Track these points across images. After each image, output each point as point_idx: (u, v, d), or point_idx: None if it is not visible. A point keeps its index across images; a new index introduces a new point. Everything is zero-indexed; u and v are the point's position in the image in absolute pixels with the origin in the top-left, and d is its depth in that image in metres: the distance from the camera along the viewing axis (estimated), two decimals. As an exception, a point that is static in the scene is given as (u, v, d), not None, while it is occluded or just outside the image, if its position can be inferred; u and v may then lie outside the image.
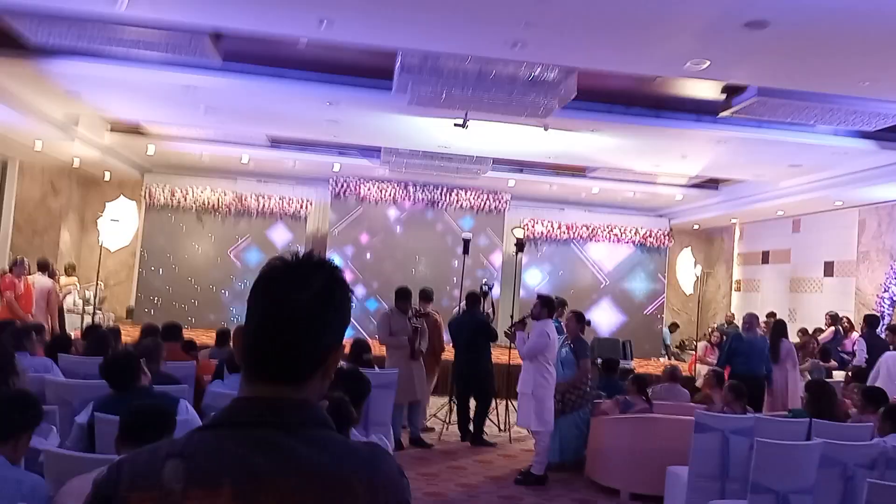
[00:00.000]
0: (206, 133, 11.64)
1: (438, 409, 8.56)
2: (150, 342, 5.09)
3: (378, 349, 8.12)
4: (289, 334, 1.07)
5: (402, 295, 7.85)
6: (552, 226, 15.08)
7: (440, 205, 14.72)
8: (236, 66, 7.98)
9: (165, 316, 11.03)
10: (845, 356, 9.50)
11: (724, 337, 10.06)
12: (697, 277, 13.26)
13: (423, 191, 14.58)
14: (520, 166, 12.82)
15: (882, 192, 10.39)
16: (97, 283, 11.41)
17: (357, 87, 8.26)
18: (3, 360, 3.93)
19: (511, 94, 7.38)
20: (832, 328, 10.39)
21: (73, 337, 6.78)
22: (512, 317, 8.77)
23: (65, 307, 11.03)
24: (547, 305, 6.88)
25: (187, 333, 7.30)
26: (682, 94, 8.31)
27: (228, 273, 14.41)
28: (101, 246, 11.03)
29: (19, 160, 12.59)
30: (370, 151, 12.18)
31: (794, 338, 10.23)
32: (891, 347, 7.64)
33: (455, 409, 8.18)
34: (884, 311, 9.81)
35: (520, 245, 10.42)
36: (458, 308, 9.26)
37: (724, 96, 7.99)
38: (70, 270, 12.34)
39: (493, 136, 9.87)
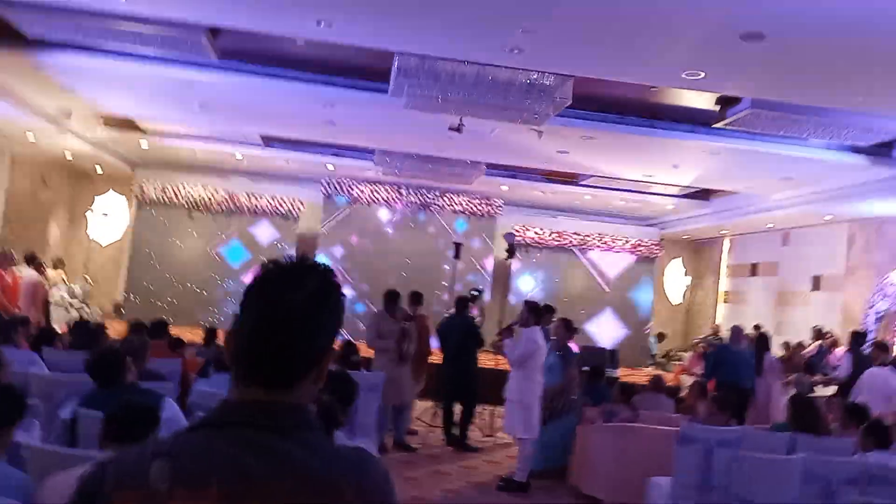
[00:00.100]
0: (200, 130, 11.60)
1: (423, 413, 8.55)
2: (136, 339, 5.07)
3: (365, 351, 8.10)
4: (283, 335, 1.07)
5: (391, 298, 7.85)
6: (543, 232, 15.10)
7: (432, 208, 14.73)
8: (233, 63, 7.97)
9: (153, 312, 10.99)
10: (830, 371, 9.55)
11: (711, 348, 10.10)
12: (686, 288, 13.32)
13: (415, 194, 14.58)
14: (513, 171, 12.85)
15: (872, 207, 10.46)
16: (84, 278, 11.35)
17: (354, 88, 8.26)
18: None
19: (507, 100, 7.40)
20: (817, 342, 10.45)
21: (59, 331, 6.73)
22: (500, 322, 8.79)
23: (51, 301, 10.95)
24: (534, 312, 6.90)
25: (174, 331, 7.27)
26: (676, 104, 8.36)
27: (217, 271, 14.36)
28: (89, 240, 10.97)
29: (11, 152, 12.51)
30: (364, 153, 12.17)
31: (778, 351, 10.30)
32: (875, 364, 7.68)
33: (440, 412, 8.17)
34: (869, 327, 9.87)
35: (510, 250, 10.43)
36: (447, 313, 9.26)
37: (718, 108, 8.04)
38: (58, 264, 12.26)
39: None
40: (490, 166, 12.19)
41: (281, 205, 14.58)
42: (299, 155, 12.60)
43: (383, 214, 14.70)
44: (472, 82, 7.21)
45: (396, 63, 7.02)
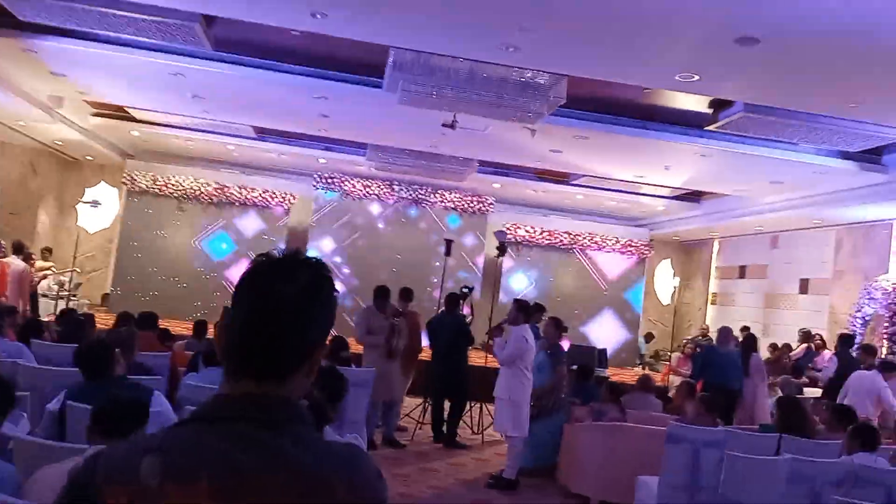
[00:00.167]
0: (192, 121, 11.53)
1: (412, 410, 8.55)
2: (125, 331, 5.04)
3: (355, 347, 8.09)
4: (274, 327, 1.06)
5: (381, 293, 7.84)
6: (535, 231, 15.13)
7: (424, 204, 14.72)
8: (227, 54, 7.92)
9: (141, 304, 10.92)
10: (817, 373, 9.63)
11: (699, 349, 10.15)
12: (675, 288, 13.37)
13: (407, 190, 14.56)
14: (505, 169, 12.86)
15: (860, 212, 10.54)
16: (73, 269, 11.26)
17: (348, 82, 8.24)
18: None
19: (501, 97, 7.41)
20: (804, 345, 10.52)
21: (47, 321, 6.68)
22: (490, 320, 8.79)
23: (39, 291, 10.88)
24: (523, 311, 6.91)
25: (163, 323, 7.23)
26: (669, 106, 8.38)
27: (207, 263, 14.29)
28: (78, 230, 10.89)
29: (0, 139, 12.41)
30: (356, 147, 12.14)
31: (765, 353, 10.37)
32: (862, 366, 7.75)
33: (429, 409, 8.18)
34: (856, 331, 9.95)
35: (501, 248, 10.44)
36: (439, 310, 9.26)
37: (710, 110, 8.07)
38: (46, 254, 12.18)
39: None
40: (482, 164, 12.19)
41: (272, 198, 14.51)
42: (291, 148, 12.56)
43: (375, 209, 14.67)
44: (466, 79, 7.22)
45: (391, 58, 7.01)
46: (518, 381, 6.50)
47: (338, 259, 14.18)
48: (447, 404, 8.01)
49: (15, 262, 9.40)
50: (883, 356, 8.92)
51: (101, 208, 10.92)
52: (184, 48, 7.59)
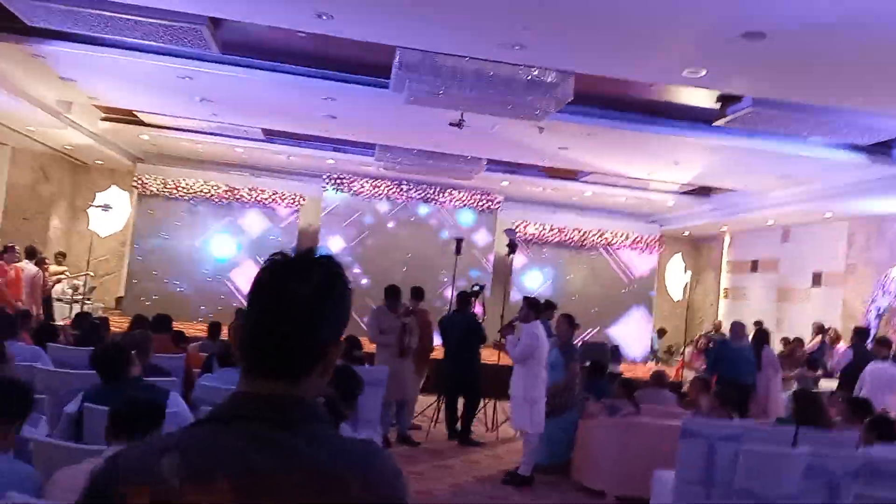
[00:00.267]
0: (201, 124, 11.58)
1: (426, 408, 8.56)
2: (139, 333, 5.07)
3: (368, 346, 8.10)
4: (287, 327, 1.06)
5: (392, 293, 7.85)
6: (544, 228, 15.11)
7: (433, 203, 14.72)
8: (234, 57, 7.94)
9: (155, 307, 10.97)
10: (831, 366, 9.58)
11: (712, 344, 10.12)
12: (687, 284, 13.32)
13: (416, 189, 14.56)
14: (513, 167, 12.84)
15: (871, 205, 10.47)
16: (87, 273, 11.33)
17: (355, 83, 8.25)
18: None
19: (508, 96, 7.39)
20: (818, 338, 10.46)
21: (62, 325, 6.73)
22: (502, 317, 8.79)
23: (54, 296, 10.95)
24: (534, 308, 6.90)
25: (177, 325, 7.27)
26: (677, 102, 8.35)
27: (217, 266, 14.34)
28: (91, 234, 10.95)
29: (11, 145, 12.49)
30: (364, 148, 12.16)
31: (778, 347, 10.32)
32: (877, 359, 7.70)
33: (443, 407, 8.18)
34: (870, 324, 9.89)
35: (511, 246, 10.44)
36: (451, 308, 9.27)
37: (718, 105, 8.04)
38: (60, 259, 12.26)
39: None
40: (491, 162, 12.18)
41: (281, 199, 14.56)
42: (300, 149, 12.58)
43: (384, 209, 14.68)
44: (473, 78, 7.20)
45: (398, 58, 7.01)
46: (532, 379, 6.49)
47: (348, 259, 14.20)
48: (461, 402, 8.01)
49: (28, 267, 9.47)
50: (898, 348, 8.85)
51: (112, 212, 10.98)
52: (191, 51, 7.60)
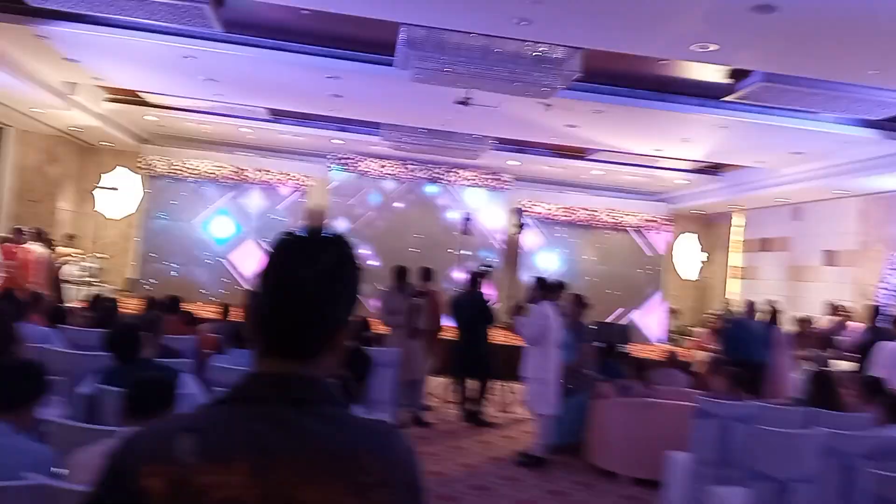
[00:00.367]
0: (206, 104, 11.51)
1: (438, 389, 8.57)
2: (151, 315, 5.06)
3: (377, 327, 8.10)
4: (296, 309, 1.06)
5: (400, 274, 7.83)
6: (553, 207, 15.05)
7: (441, 183, 14.65)
8: (237, 36, 7.87)
9: (164, 288, 10.98)
10: (844, 346, 9.52)
11: (725, 324, 10.07)
12: (702, 263, 13.23)
13: (423, 169, 14.49)
14: (521, 146, 12.74)
15: (884, 182, 10.35)
16: (99, 254, 11.33)
17: (359, 61, 8.17)
18: (3, 328, 3.90)
19: (515, 73, 7.30)
20: (832, 317, 10.40)
21: (76, 307, 6.73)
22: (510, 297, 8.76)
23: (62, 277, 10.97)
24: (543, 288, 6.86)
25: (186, 306, 7.27)
26: (686, 77, 8.24)
27: (224, 246, 14.34)
28: (100, 215, 10.93)
29: (17, 127, 12.45)
30: (371, 127, 12.08)
31: (789, 326, 10.25)
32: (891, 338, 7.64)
33: (455, 388, 8.18)
34: (883, 302, 9.82)
35: (520, 225, 10.39)
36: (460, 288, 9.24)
37: (728, 80, 7.93)
38: (69, 240, 12.27)
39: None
40: (498, 141, 12.09)
41: (288, 179, 14.53)
42: (306, 129, 12.52)
43: (391, 189, 14.62)
44: (479, 54, 7.12)
45: (403, 34, 6.92)
46: (545, 359, 6.47)
47: (355, 240, 14.13)
48: (472, 383, 8.01)
49: (36, 249, 9.47)
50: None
51: (122, 194, 10.97)
52: (194, 30, 7.53)
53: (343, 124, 12.30)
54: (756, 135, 9.55)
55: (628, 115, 9.17)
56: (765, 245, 14.34)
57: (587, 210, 15.12)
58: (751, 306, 8.34)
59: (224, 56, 8.12)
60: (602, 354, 7.65)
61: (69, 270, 11.50)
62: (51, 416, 3.21)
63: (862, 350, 8.04)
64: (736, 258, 15.45)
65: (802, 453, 4.49)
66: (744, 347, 7.78)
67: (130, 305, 9.78)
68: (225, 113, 12.00)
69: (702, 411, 5.13)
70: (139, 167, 13.95)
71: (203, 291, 13.77)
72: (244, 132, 13.24)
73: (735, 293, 14.96)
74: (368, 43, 7.89)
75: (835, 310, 10.53)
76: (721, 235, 16.00)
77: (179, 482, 0.95)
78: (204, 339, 5.96)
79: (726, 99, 8.17)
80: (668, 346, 12.38)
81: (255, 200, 14.57)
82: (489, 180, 14.71)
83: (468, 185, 14.70)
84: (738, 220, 15.46)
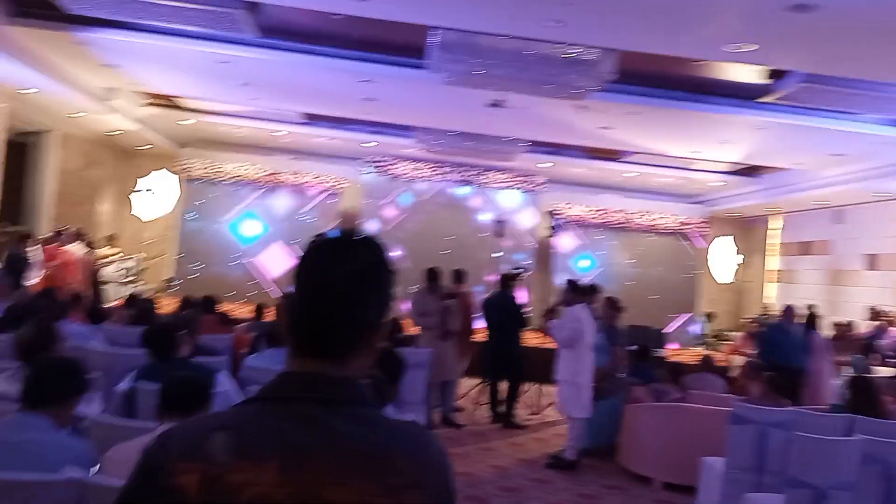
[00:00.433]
0: (241, 108, 11.68)
1: (469, 390, 8.56)
2: (188, 314, 5.15)
3: (410, 329, 8.13)
4: (327, 309, 1.07)
5: (432, 275, 7.85)
6: (586, 210, 14.95)
7: (474, 185, 14.65)
8: (272, 41, 7.97)
9: (202, 288, 11.15)
10: (886, 352, 9.30)
11: (762, 328, 9.89)
12: (738, 266, 13.01)
13: (455, 171, 14.50)
14: (554, 148, 12.68)
15: (928, 185, 10.10)
16: (139, 255, 11.55)
17: (393, 64, 8.21)
18: (44, 327, 3.99)
19: (548, 75, 7.26)
20: (875, 323, 10.15)
21: (115, 307, 6.88)
22: (543, 300, 8.72)
23: (104, 278, 11.21)
24: (576, 291, 6.81)
25: (224, 307, 7.37)
26: (723, 78, 8.13)
27: (258, 247, 14.56)
28: (139, 218, 11.15)
29: (59, 131, 12.76)
30: (403, 130, 12.14)
31: (828, 330, 10.03)
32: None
33: (486, 390, 8.17)
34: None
35: (552, 228, 10.34)
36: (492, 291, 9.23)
37: (766, 81, 7.81)
38: (111, 241, 12.54)
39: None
40: (531, 143, 12.05)
41: (322, 182, 14.68)
42: (340, 132, 12.62)
43: (424, 192, 14.66)
44: (512, 57, 7.08)
45: (436, 38, 6.93)
46: (579, 362, 6.41)
47: (388, 243, 14.17)
48: (504, 385, 7.99)
49: (74, 250, 9.69)
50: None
51: (158, 196, 11.17)
52: (230, 36, 7.66)
53: (376, 127, 12.38)
54: (794, 136, 9.38)
55: (664, 116, 9.07)
56: (804, 248, 14.06)
57: (622, 212, 14.99)
58: (789, 310, 8.17)
59: (259, 61, 8.24)
60: (635, 358, 7.57)
61: (108, 271, 11.74)
62: (89, 412, 3.27)
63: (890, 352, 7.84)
64: (773, 261, 15.17)
65: (841, 460, 4.38)
66: (782, 352, 7.63)
67: (167, 305, 9.96)
68: (259, 117, 12.17)
69: (738, 416, 5.04)
70: (175, 170, 14.21)
71: (235, 293, 13.97)
72: (278, 135, 13.40)
73: (772, 297, 14.69)
74: (400, 47, 7.93)
75: (876, 314, 10.28)
76: (758, 238, 15.73)
77: (212, 480, 0.96)
78: (239, 339, 6.03)
79: (765, 100, 8.04)
80: (703, 351, 12.19)
81: (284, 202, 14.74)
82: (522, 182, 14.66)
83: (501, 188, 14.67)
84: (775, 223, 15.18)
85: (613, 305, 7.67)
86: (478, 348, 8.44)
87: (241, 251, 14.52)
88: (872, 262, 11.90)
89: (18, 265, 8.82)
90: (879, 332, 9.78)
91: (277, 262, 14.41)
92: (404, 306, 8.52)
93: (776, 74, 7.59)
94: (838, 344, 8.39)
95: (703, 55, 7.11)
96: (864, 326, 10.22)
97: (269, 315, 7.69)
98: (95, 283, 10.13)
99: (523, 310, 8.18)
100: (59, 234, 9.53)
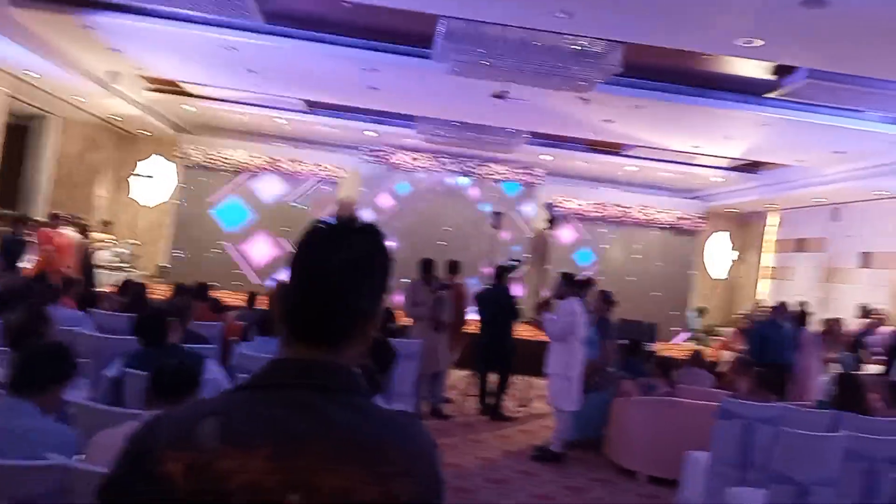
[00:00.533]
0: (244, 95, 11.68)
1: (458, 381, 8.60)
2: (180, 300, 5.17)
3: (402, 319, 8.15)
4: (322, 297, 1.07)
5: (426, 266, 7.87)
6: (584, 203, 14.95)
7: (474, 177, 14.65)
8: (278, 27, 7.97)
9: (196, 275, 11.19)
10: (871, 348, 9.32)
11: (753, 324, 9.91)
12: (733, 262, 13.03)
13: (455, 162, 14.49)
14: (556, 141, 12.67)
15: (927, 184, 10.09)
16: (128, 241, 11.57)
17: (397, 53, 8.20)
18: (35, 311, 4.02)
19: (554, 66, 7.23)
20: (865, 320, 10.17)
21: (107, 292, 6.91)
22: (537, 292, 8.75)
23: (97, 262, 11.23)
24: (570, 284, 6.82)
25: (217, 294, 7.40)
26: (728, 73, 8.10)
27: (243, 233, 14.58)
28: (136, 203, 11.17)
29: (60, 115, 12.77)
30: (405, 119, 12.13)
31: (818, 327, 10.04)
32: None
33: (476, 381, 8.20)
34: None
35: (551, 221, 10.34)
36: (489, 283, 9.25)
37: (771, 77, 7.78)
38: (104, 226, 12.55)
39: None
40: (533, 135, 12.04)
41: (323, 170, 14.67)
42: (342, 121, 12.62)
43: (423, 182, 14.66)
44: (518, 48, 7.05)
45: (442, 27, 6.91)
46: (570, 355, 6.43)
47: (386, 232, 14.17)
48: (493, 377, 8.02)
49: (71, 234, 9.72)
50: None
51: (156, 182, 11.19)
52: (236, 22, 7.65)
53: (378, 116, 12.37)
54: (798, 133, 9.36)
55: (668, 110, 9.05)
56: (800, 245, 14.06)
57: (619, 206, 14.98)
58: (781, 307, 8.19)
59: (264, 47, 8.24)
60: (626, 352, 7.61)
61: (102, 256, 11.76)
62: (76, 398, 3.30)
63: (891, 353, 7.87)
64: (768, 258, 15.17)
65: (825, 456, 4.42)
66: (771, 348, 7.66)
67: (161, 291, 10.00)
68: (262, 104, 12.16)
69: (725, 411, 5.07)
70: (175, 156, 14.21)
71: (227, 280, 13.98)
72: (279, 123, 13.40)
73: (765, 293, 14.70)
74: (406, 35, 7.91)
75: (867, 312, 10.30)
76: (754, 235, 15.73)
77: (200, 467, 0.95)
78: (230, 327, 6.06)
79: (770, 95, 8.01)
80: (693, 345, 12.24)
81: (276, 189, 14.68)
82: (521, 175, 14.65)
83: (500, 179, 14.66)
84: (772, 220, 15.17)
85: (606, 299, 7.70)
86: (469, 340, 8.47)
87: (229, 238, 14.51)
88: (866, 260, 11.90)
89: (14, 248, 8.87)
90: (870, 330, 9.80)
91: (263, 250, 14.43)
92: (397, 297, 8.53)
93: (782, 70, 7.56)
94: (827, 339, 8.40)
95: (712, 49, 7.05)
96: (854, 324, 10.23)
97: (262, 303, 7.71)
98: (88, 267, 10.14)
99: (516, 302, 8.21)
100: (54, 217, 9.56)
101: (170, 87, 11.68)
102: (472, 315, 8.43)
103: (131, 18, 7.87)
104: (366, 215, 14.09)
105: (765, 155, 11.55)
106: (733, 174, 13.29)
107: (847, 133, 8.90)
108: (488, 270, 9.99)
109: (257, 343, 5.20)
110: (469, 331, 8.50)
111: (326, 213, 13.97)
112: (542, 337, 7.18)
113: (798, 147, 10.27)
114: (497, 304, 7.94)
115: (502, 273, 8.20)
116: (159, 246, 14.75)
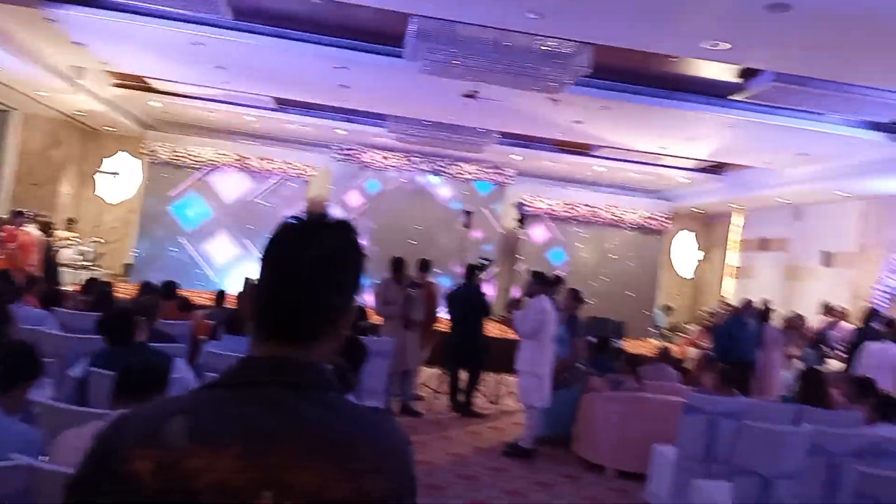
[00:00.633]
0: (213, 92, 11.54)
1: (429, 379, 8.61)
2: (147, 299, 5.10)
3: (374, 317, 8.15)
4: (294, 293, 1.06)
5: (396, 265, 7.87)
6: (554, 203, 15.05)
7: (444, 176, 14.67)
8: (247, 23, 7.89)
9: (163, 274, 11.04)
10: (836, 346, 9.55)
11: (717, 321, 10.09)
12: (698, 261, 13.23)
13: (426, 161, 14.50)
14: (526, 141, 12.75)
15: (887, 184, 10.32)
16: (97, 239, 11.38)
17: (368, 51, 8.18)
18: (-1, 309, 3.94)
19: (524, 67, 7.28)
20: (826, 317, 10.41)
21: (72, 291, 6.78)
22: (507, 290, 8.80)
23: (62, 261, 11.02)
24: (541, 282, 6.88)
25: (184, 293, 7.31)
26: (695, 75, 8.22)
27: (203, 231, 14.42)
28: (101, 201, 10.99)
29: (22, 110, 12.50)
30: (376, 118, 12.10)
31: (781, 324, 10.25)
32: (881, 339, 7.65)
33: (447, 379, 8.23)
34: (878, 305, 9.81)
35: (521, 220, 10.41)
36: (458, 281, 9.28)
37: (737, 79, 7.91)
38: (69, 224, 12.32)
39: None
40: (503, 135, 12.10)
41: (292, 169, 14.56)
42: (312, 119, 12.54)
43: (394, 181, 14.64)
44: (489, 48, 7.09)
45: (414, 26, 6.91)
46: (540, 353, 6.48)
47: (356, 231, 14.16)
48: (464, 374, 8.05)
49: (32, 232, 9.53)
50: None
51: (122, 179, 11.01)
52: (204, 17, 7.55)
53: (349, 115, 12.32)
54: (763, 135, 9.52)
55: (636, 112, 9.15)
56: (763, 245, 14.32)
57: (588, 206, 15.11)
58: (745, 305, 8.35)
59: (232, 44, 8.14)
60: (594, 349, 7.69)
61: (66, 254, 11.54)
62: (41, 397, 3.25)
63: (851, 349, 8.06)
64: (733, 257, 15.44)
65: (788, 450, 4.51)
66: (735, 345, 7.81)
67: (127, 290, 9.85)
68: (231, 101, 12.03)
69: (690, 406, 5.15)
70: (141, 152, 13.99)
71: (200, 278, 13.82)
72: (248, 120, 13.27)
73: (730, 292, 14.96)
74: (377, 34, 7.89)
75: (829, 310, 10.54)
76: (720, 234, 16.00)
77: (168, 466, 0.93)
78: (198, 325, 6.00)
79: (735, 98, 8.15)
80: (661, 343, 12.41)
81: (242, 186, 14.52)
82: (492, 174, 14.72)
83: (470, 179, 14.70)
84: (737, 220, 15.44)
85: (575, 297, 7.78)
86: (440, 338, 8.49)
87: (189, 236, 14.34)
88: (828, 259, 12.17)
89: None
90: (831, 327, 10.03)
91: (224, 248, 14.30)
92: (368, 296, 8.51)
93: (747, 73, 7.69)
94: (790, 336, 8.59)
95: (679, 52, 7.15)
96: (817, 321, 10.46)
97: (231, 301, 7.64)
98: (52, 266, 9.95)
99: (487, 300, 8.25)
100: (17, 215, 9.36)
101: (136, 83, 11.49)
102: (444, 314, 8.46)
103: (97, 12, 7.72)
104: (336, 214, 14.05)
105: (730, 156, 11.74)
106: (699, 175, 13.50)
107: (810, 135, 9.08)
108: (460, 269, 10.01)
109: (226, 342, 5.16)
110: (440, 329, 8.52)
111: (295, 211, 13.91)
112: (513, 335, 7.23)
113: (763, 149, 10.46)
114: (468, 302, 7.97)
115: (473, 271, 8.23)
116: (125, 244, 14.52)
